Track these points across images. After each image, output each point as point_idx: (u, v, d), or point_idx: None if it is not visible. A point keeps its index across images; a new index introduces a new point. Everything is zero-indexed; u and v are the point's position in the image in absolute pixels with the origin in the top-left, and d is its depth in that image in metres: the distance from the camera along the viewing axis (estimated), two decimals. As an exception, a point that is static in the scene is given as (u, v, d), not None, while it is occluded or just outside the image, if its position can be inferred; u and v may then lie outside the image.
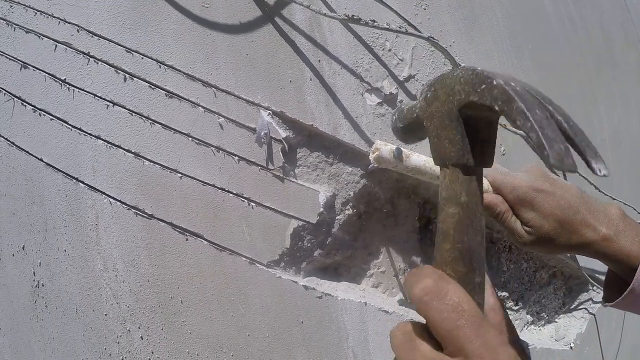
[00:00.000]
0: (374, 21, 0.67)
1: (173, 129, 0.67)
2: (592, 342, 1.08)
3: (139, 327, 0.69)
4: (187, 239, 0.67)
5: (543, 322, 0.99)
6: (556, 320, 0.99)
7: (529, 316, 0.99)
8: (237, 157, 0.67)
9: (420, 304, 0.26)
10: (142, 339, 0.69)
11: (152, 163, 0.66)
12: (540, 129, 0.22)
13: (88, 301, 0.69)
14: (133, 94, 0.67)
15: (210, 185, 0.66)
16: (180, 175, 0.66)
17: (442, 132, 0.29)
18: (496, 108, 0.24)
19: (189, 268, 0.67)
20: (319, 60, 0.72)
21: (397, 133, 0.37)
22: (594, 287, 1.07)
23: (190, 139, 0.67)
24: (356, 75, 0.73)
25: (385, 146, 0.67)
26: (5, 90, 0.74)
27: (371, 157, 0.68)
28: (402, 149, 0.67)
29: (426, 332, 0.27)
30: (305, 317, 0.71)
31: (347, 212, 0.73)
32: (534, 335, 0.99)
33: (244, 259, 0.67)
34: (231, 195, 0.67)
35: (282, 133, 0.68)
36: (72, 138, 0.69)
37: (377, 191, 0.74)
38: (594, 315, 1.04)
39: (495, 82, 0.24)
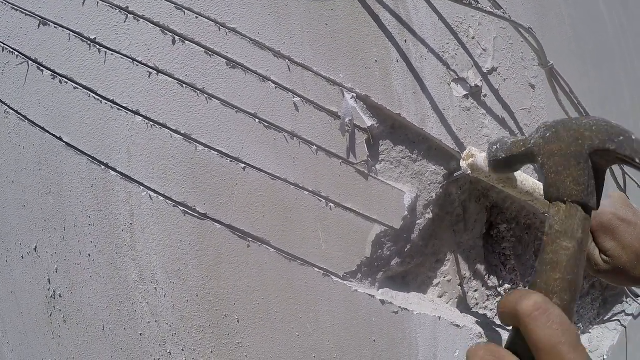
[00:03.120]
0: (477, 2, 0.41)
1: (235, 107, 0.38)
2: (620, 354, 0.86)
3: (182, 350, 0.41)
4: (249, 246, 0.39)
5: (579, 332, 0.76)
6: (590, 330, 0.76)
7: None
8: (314, 147, 0.40)
9: (528, 317, 0.22)
10: (186, 363, 0.41)
11: (207, 148, 0.38)
12: None
13: (118, 317, 0.40)
14: (184, 61, 0.39)
15: (281, 179, 0.39)
16: (244, 165, 0.38)
17: (565, 171, 0.25)
18: (636, 160, 0.23)
19: (250, 281, 0.39)
20: (405, 41, 0.45)
21: (494, 163, 0.33)
22: (628, 300, 0.84)
23: (257, 120, 0.38)
24: (443, 62, 0.47)
25: (480, 153, 0.42)
26: (18, 52, 0.43)
27: (464, 163, 0.43)
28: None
29: (510, 353, 0.22)
30: (378, 335, 0.45)
31: (427, 216, 0.47)
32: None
33: (317, 270, 0.40)
34: (306, 193, 0.39)
35: (368, 121, 0.41)
36: (102, 112, 0.40)
37: (454, 194, 0.48)
38: (625, 327, 0.82)
39: (634, 137, 0.23)
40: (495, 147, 0.32)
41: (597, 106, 0.68)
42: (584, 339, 0.77)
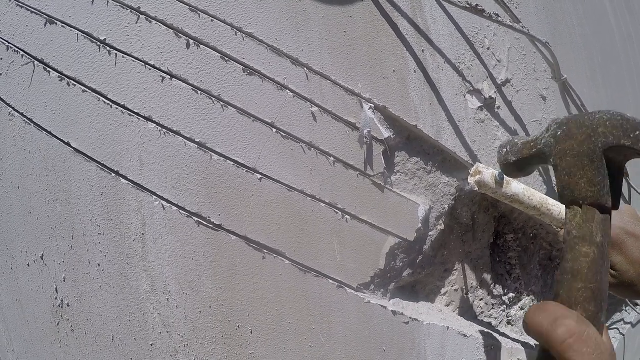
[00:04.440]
0: (498, 15, 0.39)
1: (252, 116, 0.36)
2: None
3: (194, 361, 0.38)
4: (264, 257, 0.37)
5: (613, 346, 0.75)
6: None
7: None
8: (332, 158, 0.37)
9: (563, 346, 0.20)
10: (197, 374, 0.39)
11: (222, 158, 0.35)
12: None
13: (129, 328, 0.38)
14: (199, 66, 0.36)
15: (297, 191, 0.36)
16: (260, 176, 0.36)
17: (578, 171, 0.22)
18: None
19: (265, 292, 0.37)
20: (423, 51, 0.43)
21: (506, 166, 0.29)
22: (627, 308, 0.83)
23: (274, 130, 0.36)
24: (459, 72, 0.44)
25: (487, 170, 0.41)
26: (23, 51, 0.39)
27: (471, 180, 0.41)
28: (503, 174, 0.40)
29: None
30: (388, 345, 0.43)
31: (439, 227, 0.45)
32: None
33: (331, 281, 0.38)
34: (323, 205, 0.37)
35: (385, 133, 0.39)
36: (113, 117, 0.36)
37: (466, 205, 0.47)
38: (623, 335, 0.81)
39: None
40: (505, 149, 0.29)
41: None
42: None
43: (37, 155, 0.39)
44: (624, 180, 0.67)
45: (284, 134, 0.37)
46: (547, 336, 0.21)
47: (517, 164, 0.28)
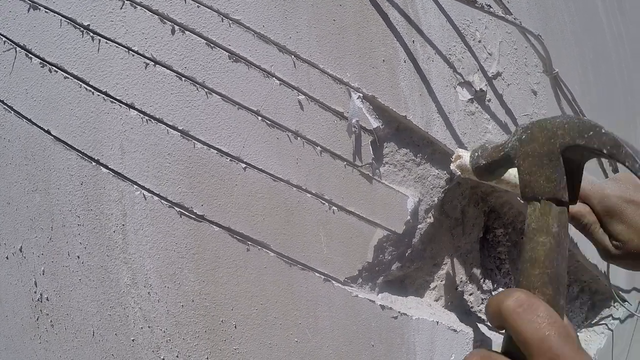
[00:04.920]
0: (489, 6, 0.37)
1: (237, 104, 0.34)
2: (607, 357, 0.83)
3: (177, 356, 0.37)
4: (248, 249, 0.35)
5: (574, 327, 0.74)
6: (578, 334, 0.73)
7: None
8: (319, 148, 0.36)
9: (512, 315, 0.20)
10: (180, 370, 0.37)
11: (205, 146, 0.34)
12: (632, 150, 0.21)
13: (109, 323, 0.36)
14: (184, 52, 0.34)
15: (283, 181, 0.35)
16: (245, 165, 0.34)
17: (538, 170, 0.25)
18: (605, 152, 0.22)
19: (249, 285, 0.36)
20: (413, 41, 0.41)
21: (477, 170, 0.31)
22: (616, 304, 0.82)
23: (259, 118, 0.34)
24: (449, 64, 0.43)
25: (466, 154, 0.39)
26: (5, 37, 0.38)
27: (453, 165, 0.40)
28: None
29: (504, 357, 0.21)
30: (377, 340, 0.41)
31: (428, 220, 0.44)
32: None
33: (317, 274, 0.36)
34: (309, 195, 0.36)
35: (373, 123, 0.37)
36: (94, 104, 0.35)
37: (456, 198, 0.45)
38: (612, 331, 0.80)
39: (604, 131, 0.23)
40: (476, 153, 0.31)
41: (594, 112, 0.65)
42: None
43: (17, 143, 0.37)
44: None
45: (269, 123, 0.36)
46: (499, 311, 0.21)
47: (487, 167, 0.30)
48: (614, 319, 0.81)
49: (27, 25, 0.38)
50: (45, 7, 0.38)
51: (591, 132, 0.23)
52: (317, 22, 0.38)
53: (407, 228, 0.42)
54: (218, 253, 0.36)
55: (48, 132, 0.37)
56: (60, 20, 0.37)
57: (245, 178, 0.35)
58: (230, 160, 0.35)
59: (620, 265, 0.37)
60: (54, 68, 0.37)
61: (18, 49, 0.39)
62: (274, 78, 0.36)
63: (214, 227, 0.35)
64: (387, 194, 0.40)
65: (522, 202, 0.26)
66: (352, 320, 0.41)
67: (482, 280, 0.55)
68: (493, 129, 0.49)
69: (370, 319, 0.41)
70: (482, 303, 0.54)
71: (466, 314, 0.52)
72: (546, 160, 0.24)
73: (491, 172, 0.30)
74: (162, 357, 0.38)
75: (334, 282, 0.39)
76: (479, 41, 0.49)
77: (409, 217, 0.41)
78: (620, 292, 0.77)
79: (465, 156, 0.41)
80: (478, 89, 0.47)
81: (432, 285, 0.51)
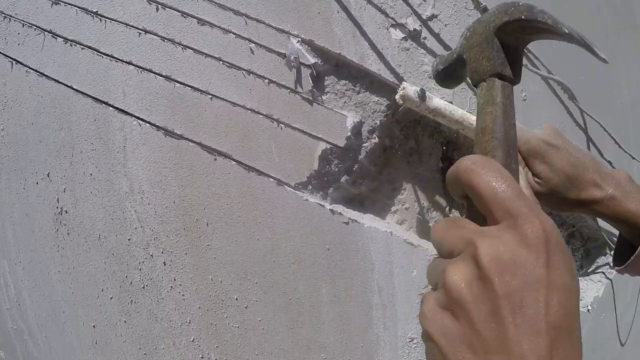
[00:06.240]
0: None
1: (204, 54, 0.69)
2: (608, 308, 1.07)
3: (162, 252, 0.68)
4: (215, 159, 0.68)
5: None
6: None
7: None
8: (267, 80, 0.69)
9: (466, 172, 0.28)
10: (164, 264, 0.68)
11: (182, 85, 0.68)
12: (554, 17, 0.33)
13: (112, 226, 0.69)
14: (165, 22, 0.70)
15: (240, 106, 0.68)
16: (211, 96, 0.68)
17: (480, 55, 0.37)
18: (523, 17, 0.33)
19: (217, 189, 0.67)
20: (345, -4, 0.76)
21: (438, 78, 0.45)
22: (611, 252, 1.07)
23: (221, 62, 0.69)
24: (381, 11, 0.76)
25: (410, 87, 0.71)
26: (36, 26, 0.77)
27: (397, 95, 0.71)
28: (425, 90, 0.71)
29: (468, 220, 0.29)
30: (331, 244, 0.70)
31: (373, 140, 0.74)
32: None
33: (271, 179, 0.68)
34: (260, 116, 0.68)
35: (311, 59, 0.71)
36: (103, 65, 0.71)
37: (407, 128, 0.76)
38: (610, 280, 1.04)
39: (521, 2, 0.34)
40: (435, 62, 0.45)
41: (547, 54, 0.94)
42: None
43: (47, 98, 0.74)
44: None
45: (228, 65, 0.70)
46: (455, 174, 0.28)
47: (445, 71, 0.43)
48: (611, 267, 1.02)
49: (52, 16, 0.78)
50: (64, 2, 0.77)
51: (512, 8, 0.34)
52: (262, -9, 0.74)
53: (349, 143, 0.73)
54: (193, 162, 0.68)
55: (70, 87, 0.73)
56: (76, 10, 0.76)
57: (212, 105, 0.69)
58: (200, 93, 0.69)
59: (544, 203, 0.55)
60: (73, 43, 0.75)
61: (46, 33, 0.78)
62: (230, 34, 0.71)
63: (190, 142, 0.68)
64: (328, 114, 0.72)
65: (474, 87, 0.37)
66: (305, 222, 0.70)
67: (447, 209, 0.82)
68: (430, 62, 0.80)
69: (322, 222, 0.71)
70: (447, 231, 0.81)
71: (427, 233, 0.79)
72: (485, 44, 0.36)
73: (449, 75, 0.43)
74: (150, 254, 0.69)
75: (285, 186, 0.70)
76: (411, -8, 0.82)
77: (349, 133, 0.72)
78: (614, 238, 0.98)
79: (408, 88, 0.73)
80: (412, 29, 0.79)
81: (393, 208, 0.79)
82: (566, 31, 0.31)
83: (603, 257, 1.09)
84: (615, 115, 1.15)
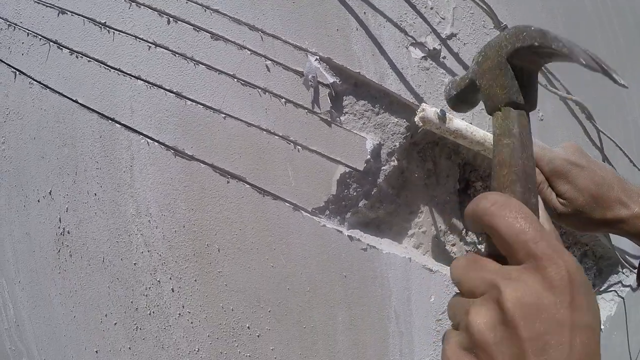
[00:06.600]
0: None
1: (218, 70, 0.66)
2: (620, 327, 1.06)
3: (170, 278, 0.65)
4: (228, 182, 0.64)
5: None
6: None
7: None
8: (283, 100, 0.66)
9: (486, 214, 0.28)
10: (173, 291, 0.65)
11: (194, 103, 0.65)
12: (569, 43, 0.31)
13: (117, 249, 0.65)
14: (177, 36, 0.67)
15: (255, 126, 0.65)
16: (224, 115, 0.65)
17: (494, 83, 0.35)
18: (536, 44, 0.32)
19: (229, 213, 0.64)
20: (364, 12, 0.73)
21: (451, 101, 0.44)
22: (624, 270, 1.05)
23: (235, 79, 0.66)
24: (400, 29, 0.73)
25: (430, 108, 0.68)
26: (41, 35, 0.73)
27: (416, 117, 0.68)
28: (445, 111, 0.68)
29: (489, 258, 0.29)
30: (348, 271, 0.68)
31: (392, 163, 0.72)
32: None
33: (287, 204, 0.65)
34: (276, 137, 0.65)
35: (330, 78, 0.68)
36: (110, 79, 0.68)
37: (425, 150, 0.73)
38: (622, 298, 1.02)
39: (533, 27, 0.33)
40: (448, 87, 0.44)
41: (560, 71, 0.92)
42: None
43: (51, 111, 0.70)
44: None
45: (243, 83, 0.67)
46: (475, 213, 0.28)
47: (459, 96, 0.42)
48: (623, 286, 1.01)
49: (58, 26, 0.74)
50: (71, 11, 0.73)
51: (524, 33, 0.32)
52: (279, 5, 0.71)
53: (369, 166, 0.70)
54: (204, 185, 0.65)
55: (75, 101, 0.69)
56: (84, 20, 0.72)
57: (225, 125, 0.66)
58: (213, 112, 0.66)
59: (568, 224, 0.55)
60: (79, 55, 0.71)
61: (51, 43, 0.74)
62: (245, 50, 0.68)
63: (201, 164, 0.65)
64: (347, 136, 0.69)
65: (490, 116, 0.36)
66: (322, 249, 0.67)
67: (464, 232, 0.79)
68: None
69: (339, 249, 0.68)
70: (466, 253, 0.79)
71: (443, 256, 0.77)
72: (497, 71, 0.34)
73: (462, 100, 0.42)
74: (158, 279, 0.66)
75: (302, 211, 0.67)
76: (431, 8, 0.79)
77: (368, 157, 0.69)
78: (627, 256, 0.96)
79: (428, 109, 0.70)
80: (431, 48, 0.76)
81: (410, 232, 0.76)
82: (583, 62, 0.30)
83: (615, 275, 1.07)
84: (627, 133, 1.14)
